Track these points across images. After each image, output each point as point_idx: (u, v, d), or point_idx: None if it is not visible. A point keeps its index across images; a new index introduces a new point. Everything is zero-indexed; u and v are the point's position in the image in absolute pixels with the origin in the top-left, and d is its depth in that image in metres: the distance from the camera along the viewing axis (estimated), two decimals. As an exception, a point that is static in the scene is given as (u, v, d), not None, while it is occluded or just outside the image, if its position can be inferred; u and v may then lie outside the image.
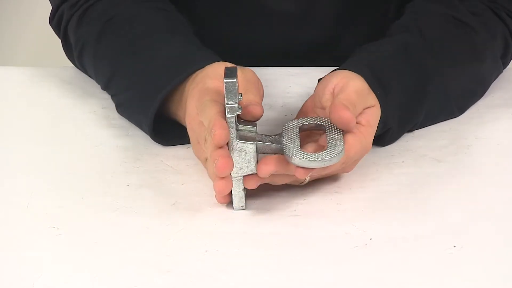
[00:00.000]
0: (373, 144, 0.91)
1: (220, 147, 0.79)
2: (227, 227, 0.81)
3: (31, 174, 0.89)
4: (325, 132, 0.82)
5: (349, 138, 0.82)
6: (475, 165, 0.90)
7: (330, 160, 0.79)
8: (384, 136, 0.91)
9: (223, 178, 0.80)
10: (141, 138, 0.94)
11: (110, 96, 0.99)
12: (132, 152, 0.92)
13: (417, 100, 0.92)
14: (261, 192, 0.85)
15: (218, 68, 0.87)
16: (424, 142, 0.93)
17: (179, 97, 0.89)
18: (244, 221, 0.81)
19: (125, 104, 0.95)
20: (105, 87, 1.00)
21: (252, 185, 0.81)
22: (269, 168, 0.79)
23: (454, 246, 0.77)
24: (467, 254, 0.77)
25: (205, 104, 0.82)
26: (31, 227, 0.80)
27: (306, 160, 0.78)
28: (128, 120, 0.96)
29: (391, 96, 0.88)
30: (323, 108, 0.85)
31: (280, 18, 1.10)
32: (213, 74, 0.86)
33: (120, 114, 0.97)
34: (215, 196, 0.83)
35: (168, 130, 0.92)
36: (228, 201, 0.83)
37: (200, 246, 0.78)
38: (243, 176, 0.81)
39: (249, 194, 0.85)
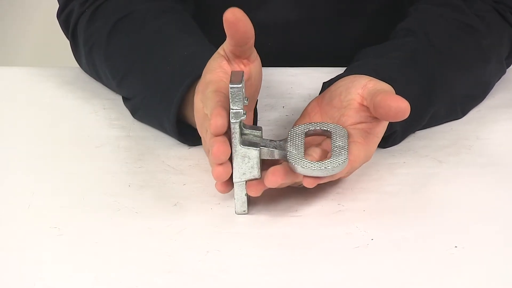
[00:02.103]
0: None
1: (218, 135, 0.78)
2: (228, 227, 0.81)
3: (32, 175, 0.89)
4: (330, 138, 0.82)
5: (354, 149, 0.81)
6: (476, 166, 0.89)
7: (333, 170, 0.78)
8: (388, 139, 0.91)
9: (221, 164, 0.78)
10: (143, 139, 0.94)
11: (116, 97, 0.98)
12: (134, 152, 0.92)
13: (423, 105, 0.92)
14: (262, 192, 0.85)
15: (214, 61, 0.85)
16: (425, 143, 0.93)
17: (192, 99, 0.89)
18: (245, 221, 0.81)
19: (143, 108, 0.95)
20: (118, 86, 1.00)
21: (256, 192, 0.80)
22: (277, 180, 0.78)
23: (456, 247, 0.77)
24: (469, 254, 0.77)
25: (207, 96, 0.81)
26: (32, 228, 0.80)
27: (309, 169, 0.78)
28: (149, 124, 0.95)
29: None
30: (342, 108, 0.84)
31: (280, 25, 1.10)
32: (210, 67, 0.85)
33: (138, 120, 0.96)
34: (215, 185, 0.81)
35: (192, 130, 0.91)
36: (229, 190, 0.81)
37: (202, 246, 0.78)
38: (247, 183, 0.80)
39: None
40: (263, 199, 0.84)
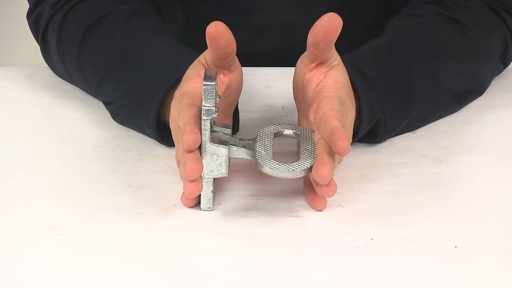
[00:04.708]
0: (370, 141, 0.92)
1: (190, 151, 0.79)
2: (228, 227, 0.81)
3: (32, 175, 0.89)
4: (300, 141, 0.83)
5: (333, 73, 0.84)
6: (476, 166, 0.90)
7: (301, 173, 0.79)
8: (377, 130, 0.90)
9: (193, 181, 0.79)
10: (142, 139, 0.94)
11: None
12: (134, 152, 0.92)
13: (405, 90, 0.92)
14: (262, 192, 0.85)
15: (193, 69, 0.86)
16: (425, 142, 0.93)
17: (170, 103, 0.89)
18: (245, 221, 0.81)
19: (122, 114, 0.95)
20: (95, 91, 1.00)
21: (321, 205, 0.82)
22: (328, 172, 0.77)
23: (456, 247, 0.77)
24: (469, 255, 0.77)
25: (182, 108, 0.82)
26: (32, 228, 0.80)
27: (276, 170, 0.79)
28: (130, 128, 0.96)
29: (373, 83, 0.89)
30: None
31: (277, 26, 1.11)
32: (189, 76, 0.86)
33: (119, 123, 0.96)
34: (181, 197, 0.83)
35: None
36: (193, 204, 0.83)
37: (202, 246, 0.78)
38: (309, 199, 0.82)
39: (251, 195, 0.85)
40: (263, 199, 0.84)
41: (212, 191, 0.82)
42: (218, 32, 0.80)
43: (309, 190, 0.83)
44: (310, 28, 0.82)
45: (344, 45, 0.88)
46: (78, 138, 0.95)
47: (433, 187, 0.86)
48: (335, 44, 0.83)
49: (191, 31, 1.12)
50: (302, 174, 0.79)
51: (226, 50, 0.81)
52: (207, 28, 0.80)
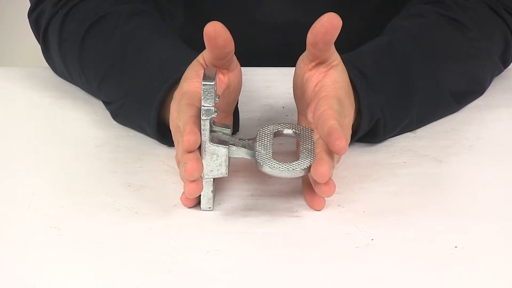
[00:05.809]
0: (370, 141, 0.92)
1: (190, 152, 0.79)
2: (228, 227, 0.81)
3: (32, 175, 0.89)
4: (299, 140, 0.83)
5: (333, 73, 0.84)
6: (476, 166, 0.89)
7: (301, 172, 0.79)
8: (377, 130, 0.91)
9: (193, 181, 0.79)
10: (143, 139, 0.94)
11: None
12: (134, 152, 0.92)
13: (405, 90, 0.92)
14: (262, 192, 0.85)
15: (192, 69, 0.86)
16: (425, 142, 0.93)
17: (170, 102, 0.89)
18: (245, 221, 0.81)
19: (122, 114, 0.95)
20: (95, 91, 1.00)
21: (320, 205, 0.82)
22: (327, 170, 0.77)
23: (456, 247, 0.77)
24: (469, 255, 0.77)
25: (181, 108, 0.82)
26: (32, 228, 0.80)
27: (276, 170, 0.79)
28: (130, 127, 0.96)
29: (373, 83, 0.89)
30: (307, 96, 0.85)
31: (278, 25, 1.11)
32: (188, 76, 0.86)
33: (119, 123, 0.96)
34: (181, 197, 0.83)
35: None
36: (193, 204, 0.83)
37: (202, 246, 0.78)
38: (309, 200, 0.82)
39: (251, 195, 0.85)
40: (263, 199, 0.84)
41: (212, 191, 0.82)
42: (215, 32, 0.80)
43: (307, 189, 0.83)
44: (310, 27, 0.82)
45: (343, 44, 0.88)
46: (78, 138, 0.95)
47: (433, 187, 0.86)
48: (335, 43, 0.83)
49: (192, 29, 1.12)
50: (302, 174, 0.79)
51: (224, 50, 0.81)
52: (204, 28, 0.80)
